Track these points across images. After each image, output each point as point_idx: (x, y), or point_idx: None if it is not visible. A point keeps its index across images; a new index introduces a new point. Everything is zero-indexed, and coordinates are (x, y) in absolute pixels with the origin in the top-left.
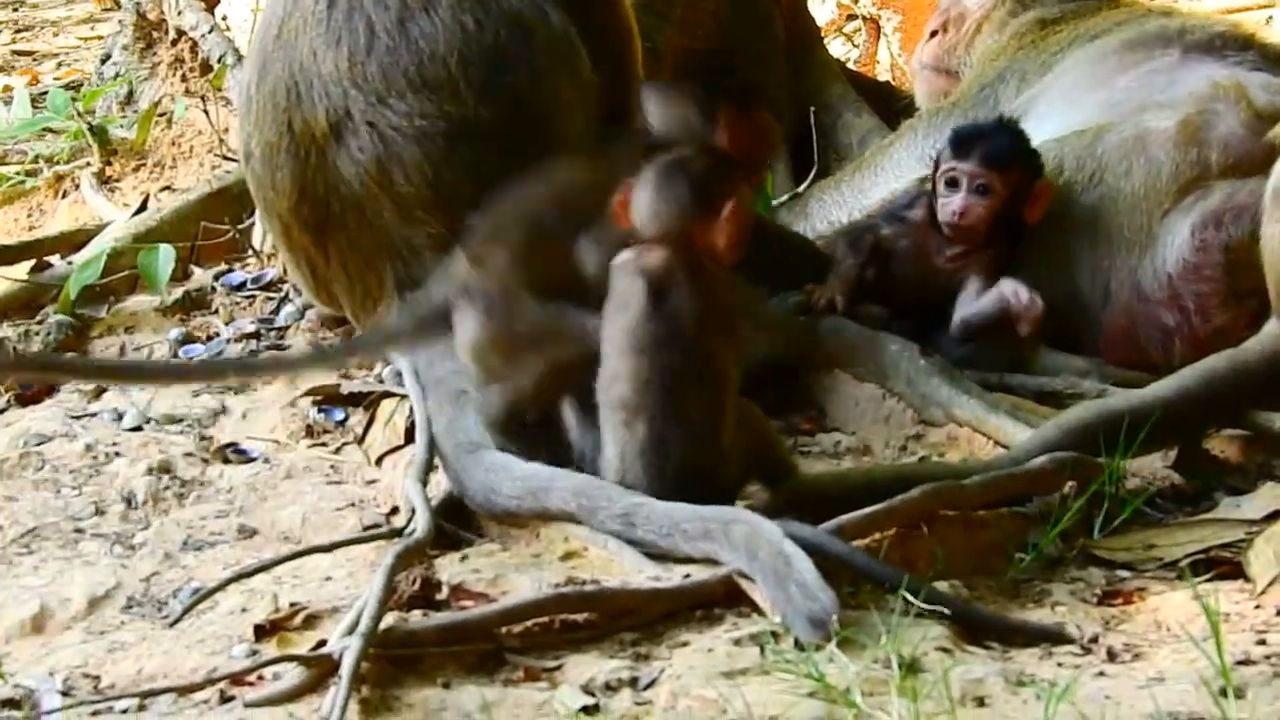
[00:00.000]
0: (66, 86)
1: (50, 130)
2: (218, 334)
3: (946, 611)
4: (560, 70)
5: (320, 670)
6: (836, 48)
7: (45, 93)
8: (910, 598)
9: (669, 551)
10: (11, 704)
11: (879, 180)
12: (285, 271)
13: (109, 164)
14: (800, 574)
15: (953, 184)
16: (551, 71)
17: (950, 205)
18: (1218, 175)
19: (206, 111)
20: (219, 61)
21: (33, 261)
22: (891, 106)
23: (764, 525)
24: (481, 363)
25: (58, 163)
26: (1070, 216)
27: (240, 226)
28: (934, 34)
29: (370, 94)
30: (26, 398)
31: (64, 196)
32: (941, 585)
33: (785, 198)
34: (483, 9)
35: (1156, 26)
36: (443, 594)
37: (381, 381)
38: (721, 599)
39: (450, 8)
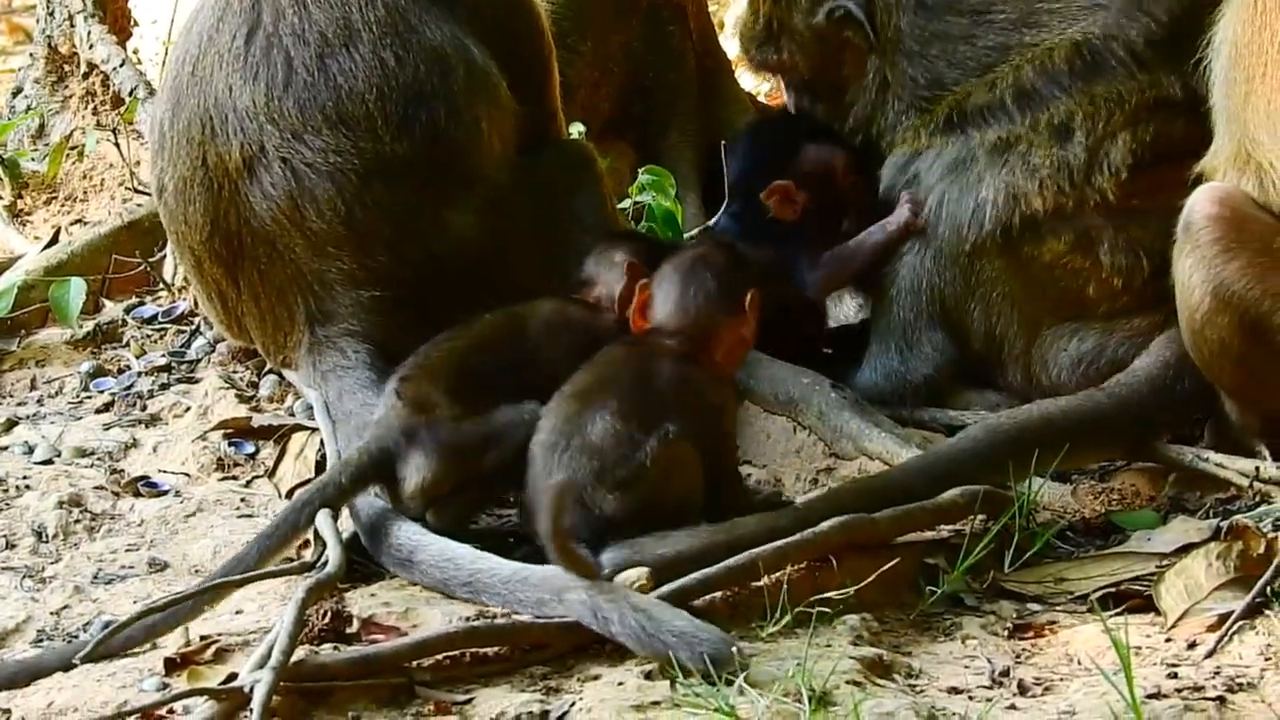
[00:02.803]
0: None
1: None
2: (129, 367)
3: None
4: (480, 104)
5: (231, 703)
6: (747, 81)
7: None
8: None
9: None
10: None
11: None
12: (197, 304)
13: (20, 197)
14: (671, 623)
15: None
16: (470, 106)
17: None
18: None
19: (118, 145)
20: (130, 95)
21: None
22: None
23: (603, 588)
24: (436, 494)
25: None
26: (985, 263)
27: (152, 260)
28: None
29: (286, 129)
30: None
31: None
32: (852, 619)
33: (696, 231)
34: (403, 45)
35: None
36: (353, 627)
37: (293, 415)
38: None
39: (371, 44)
